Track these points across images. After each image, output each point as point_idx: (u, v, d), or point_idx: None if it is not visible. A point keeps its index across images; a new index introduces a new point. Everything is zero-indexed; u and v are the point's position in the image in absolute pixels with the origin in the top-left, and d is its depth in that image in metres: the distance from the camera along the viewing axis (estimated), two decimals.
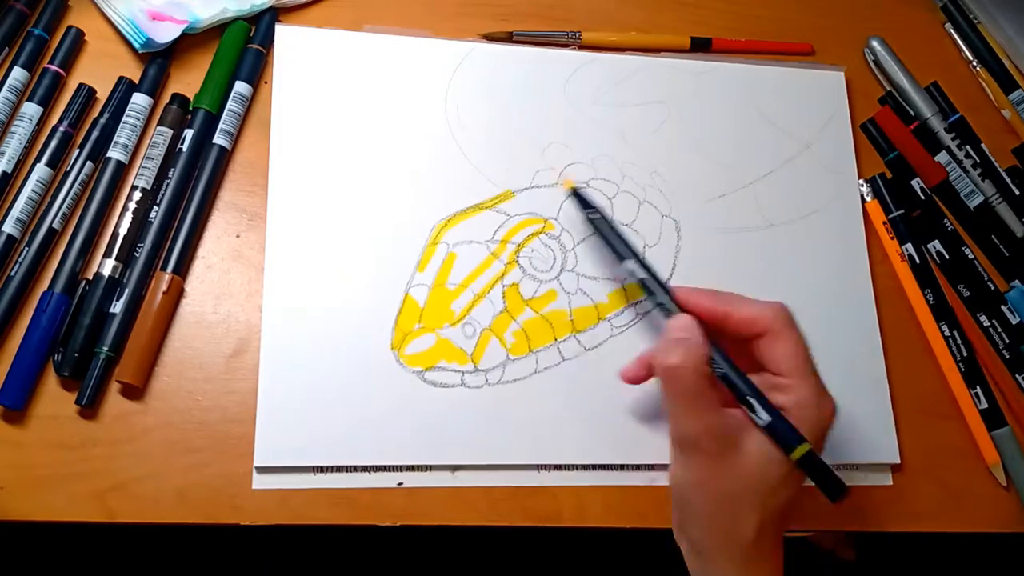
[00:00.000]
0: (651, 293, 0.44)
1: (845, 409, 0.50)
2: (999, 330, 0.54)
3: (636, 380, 0.46)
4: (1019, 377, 0.54)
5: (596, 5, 0.57)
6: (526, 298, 0.49)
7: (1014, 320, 0.54)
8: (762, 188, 0.54)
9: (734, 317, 0.42)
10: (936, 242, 0.56)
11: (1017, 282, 0.56)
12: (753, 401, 0.40)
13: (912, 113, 0.58)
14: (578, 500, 0.46)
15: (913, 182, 0.57)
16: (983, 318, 0.55)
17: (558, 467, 0.46)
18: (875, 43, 0.59)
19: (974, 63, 0.61)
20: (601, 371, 0.48)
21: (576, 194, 0.48)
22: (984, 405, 0.52)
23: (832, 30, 0.60)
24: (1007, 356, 0.54)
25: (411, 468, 0.45)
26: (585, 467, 0.47)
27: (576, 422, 0.47)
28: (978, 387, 0.52)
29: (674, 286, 0.44)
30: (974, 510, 0.51)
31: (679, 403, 0.40)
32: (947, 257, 0.56)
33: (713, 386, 0.40)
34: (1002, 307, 0.55)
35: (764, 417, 0.40)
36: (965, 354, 0.53)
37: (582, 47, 0.55)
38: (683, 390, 0.40)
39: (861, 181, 0.56)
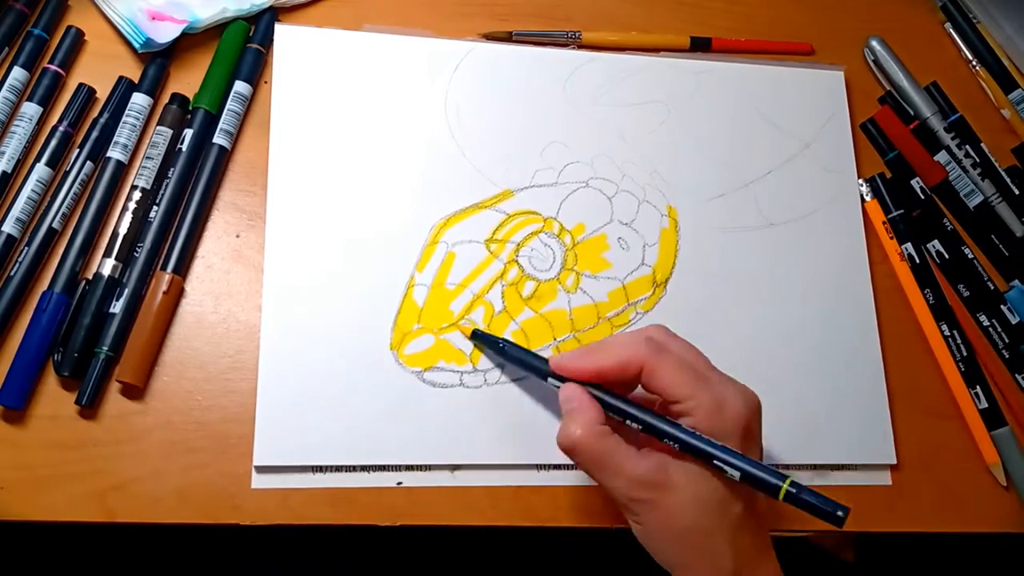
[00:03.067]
0: (544, 378, 0.43)
1: (843, 409, 0.50)
2: (999, 330, 0.54)
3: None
4: (1019, 377, 0.54)
5: (596, 5, 0.57)
6: (525, 297, 0.49)
7: (1014, 320, 0.54)
8: (762, 188, 0.54)
9: (606, 370, 0.41)
10: (936, 242, 0.56)
11: (1017, 282, 0.56)
12: (717, 461, 0.38)
13: (912, 113, 0.58)
14: (578, 500, 0.46)
15: (913, 182, 0.57)
16: (983, 318, 0.55)
17: (558, 467, 0.46)
18: (875, 43, 0.59)
19: (974, 63, 0.61)
20: None
21: (477, 335, 0.47)
22: (984, 405, 0.52)
23: (832, 30, 0.60)
24: (1007, 356, 0.54)
25: (410, 468, 0.45)
26: None
27: None
28: (978, 387, 0.52)
29: (551, 357, 0.42)
30: (974, 510, 0.51)
31: (597, 470, 0.39)
32: (947, 257, 0.56)
33: (618, 440, 0.39)
34: (1002, 307, 0.55)
35: (735, 473, 0.37)
36: (965, 354, 0.53)
37: (582, 47, 0.55)
38: (592, 457, 0.39)
39: (861, 181, 0.56)
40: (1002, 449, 0.52)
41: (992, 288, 0.55)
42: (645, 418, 0.40)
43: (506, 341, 0.46)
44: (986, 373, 0.53)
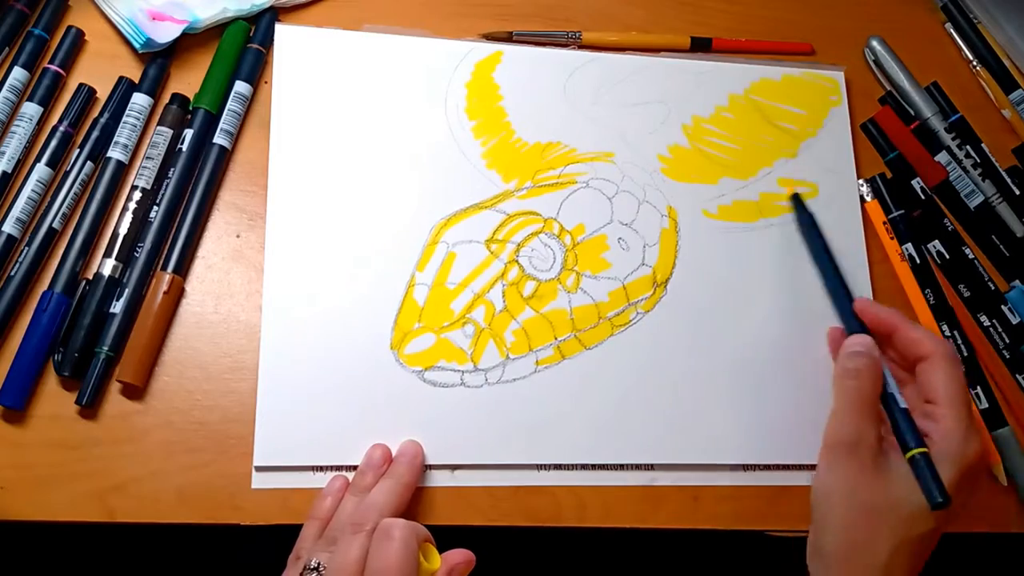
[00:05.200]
0: (835, 301, 0.47)
1: None
2: (999, 330, 0.54)
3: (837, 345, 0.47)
4: (1019, 377, 0.54)
5: (596, 5, 0.57)
6: (526, 297, 0.49)
7: (1014, 320, 0.54)
8: (762, 188, 0.54)
9: (901, 333, 0.44)
10: (936, 242, 0.56)
11: (1017, 282, 0.56)
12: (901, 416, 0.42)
13: (912, 113, 0.58)
14: (578, 500, 0.46)
15: (913, 182, 0.57)
16: (983, 318, 0.55)
17: (558, 467, 0.46)
18: (875, 43, 0.59)
19: (974, 63, 0.61)
20: (601, 370, 0.48)
21: (796, 198, 0.53)
22: (984, 405, 0.52)
23: (832, 30, 0.60)
24: (1007, 356, 0.54)
25: None
26: (585, 467, 0.47)
27: (576, 422, 0.47)
28: (978, 387, 0.52)
29: (859, 298, 0.47)
30: (974, 510, 0.51)
31: (849, 404, 0.42)
32: (947, 257, 0.55)
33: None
34: (1002, 307, 0.55)
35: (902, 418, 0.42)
36: (965, 354, 0.53)
37: (582, 47, 0.55)
38: (857, 392, 0.42)
39: (861, 181, 0.56)
40: (1002, 449, 0.51)
41: (993, 288, 0.55)
42: (901, 405, 0.42)
43: (812, 217, 0.51)
44: (987, 373, 0.53)
